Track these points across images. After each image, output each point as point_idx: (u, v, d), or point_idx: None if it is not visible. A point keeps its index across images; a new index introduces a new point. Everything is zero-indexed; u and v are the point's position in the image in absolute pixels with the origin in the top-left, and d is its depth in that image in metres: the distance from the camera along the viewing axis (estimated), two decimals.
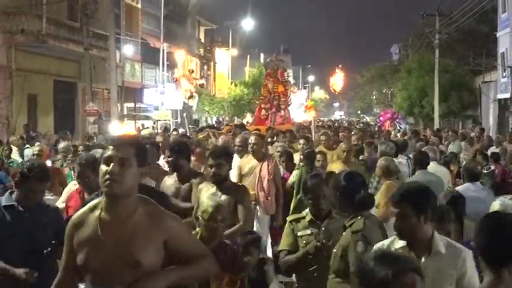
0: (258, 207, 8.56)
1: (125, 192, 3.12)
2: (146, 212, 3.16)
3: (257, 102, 22.16)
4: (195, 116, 44.43)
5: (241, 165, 8.86)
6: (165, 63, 37.98)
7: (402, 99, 39.65)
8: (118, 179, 3.08)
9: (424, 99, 37.22)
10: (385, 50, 77.08)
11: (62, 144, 11.46)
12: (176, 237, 3.19)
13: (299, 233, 4.89)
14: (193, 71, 29.31)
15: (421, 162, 8.62)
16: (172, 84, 39.93)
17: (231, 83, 51.62)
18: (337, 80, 20.65)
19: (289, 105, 20.84)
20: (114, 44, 25.27)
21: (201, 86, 22.86)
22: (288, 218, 5.19)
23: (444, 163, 10.06)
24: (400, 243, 3.61)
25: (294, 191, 8.71)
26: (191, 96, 21.69)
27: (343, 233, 4.33)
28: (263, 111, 19.65)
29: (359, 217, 4.25)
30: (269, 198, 8.62)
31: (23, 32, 24.10)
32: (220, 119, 44.75)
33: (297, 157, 9.91)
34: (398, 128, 29.12)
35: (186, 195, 6.26)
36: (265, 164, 8.68)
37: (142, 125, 26.82)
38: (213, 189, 5.72)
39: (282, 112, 19.73)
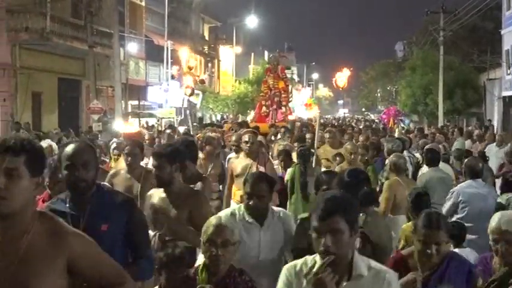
0: None
1: (15, 210, 2.58)
2: (44, 230, 2.63)
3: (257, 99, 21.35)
4: (199, 114, 44.51)
5: (233, 165, 8.35)
6: (169, 60, 37.99)
7: (406, 97, 39.64)
8: (4, 195, 2.54)
9: (428, 96, 37.18)
10: (390, 47, 77.04)
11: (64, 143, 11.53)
12: (81, 258, 2.68)
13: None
14: (192, 68, 29.05)
15: (432, 159, 8.65)
16: (177, 82, 40.04)
17: (235, 80, 51.65)
18: (342, 76, 20.49)
19: (290, 101, 20.43)
20: (118, 41, 25.34)
21: (202, 82, 22.59)
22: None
23: (444, 160, 10.06)
24: (318, 263, 2.92)
25: (288, 190, 8.60)
26: (192, 93, 21.59)
27: None
28: (263, 108, 19.31)
29: (360, 214, 4.24)
30: None
31: (27, 30, 24.18)
32: (225, 117, 44.79)
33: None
34: (402, 125, 29.10)
35: None
36: (260, 163, 8.29)
37: (147, 123, 26.85)
38: (164, 195, 5.11)
39: (283, 109, 19.41)
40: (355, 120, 53.21)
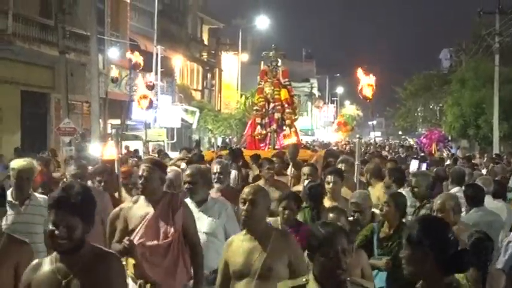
0: None
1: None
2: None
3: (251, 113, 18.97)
4: (195, 136, 44.59)
5: (126, 215, 7.02)
6: (159, 70, 38.17)
7: (454, 117, 39.55)
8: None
9: (480, 117, 37.10)
10: (433, 56, 77.18)
11: None
12: None
13: None
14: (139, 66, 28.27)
15: (474, 198, 8.56)
16: (168, 96, 40.20)
17: (241, 95, 51.76)
18: (368, 83, 17.61)
19: (296, 119, 18.18)
20: (96, 46, 25.51)
21: (150, 87, 21.39)
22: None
23: (495, 194, 9.95)
24: None
25: None
26: (149, 106, 20.12)
27: None
28: (258, 129, 17.24)
29: None
30: None
31: None
32: (227, 140, 44.81)
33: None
34: (447, 153, 28.98)
35: None
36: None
37: (127, 148, 26.71)
38: None
39: (287, 130, 17.13)
40: (387, 147, 53.05)
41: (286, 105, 17.37)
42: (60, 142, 25.98)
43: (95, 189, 8.28)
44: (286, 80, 17.87)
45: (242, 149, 16.75)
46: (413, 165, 15.84)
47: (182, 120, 42.28)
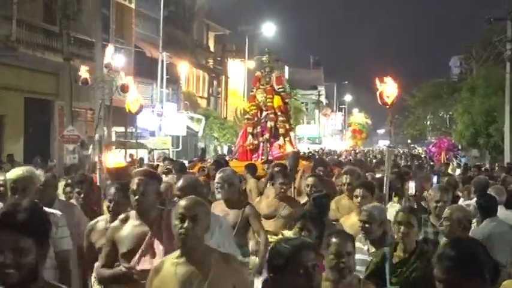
0: None
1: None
2: None
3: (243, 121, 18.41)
4: (201, 144, 44.59)
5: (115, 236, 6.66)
6: (165, 77, 38.21)
7: (464, 126, 39.44)
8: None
9: (491, 125, 36.99)
10: (442, 63, 77.09)
11: None
12: None
13: None
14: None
15: (487, 208, 8.47)
16: (174, 104, 40.20)
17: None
18: (389, 88, 17.21)
19: (291, 128, 17.86)
20: (101, 53, 25.50)
21: (124, 90, 20.83)
22: None
23: (507, 204, 9.87)
24: None
25: None
26: (139, 110, 19.09)
27: None
28: (250, 138, 16.67)
29: None
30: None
31: None
32: (233, 149, 44.81)
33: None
34: (458, 162, 28.85)
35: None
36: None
37: (131, 156, 26.65)
38: None
39: (281, 140, 16.49)
40: (398, 155, 52.85)
41: (279, 113, 16.70)
42: (64, 150, 25.98)
43: (62, 202, 7.90)
44: (280, 86, 17.30)
45: (235, 160, 16.56)
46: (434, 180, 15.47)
47: (188, 128, 42.27)
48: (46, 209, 6.13)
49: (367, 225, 6.83)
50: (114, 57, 23.81)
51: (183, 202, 4.92)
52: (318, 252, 4.20)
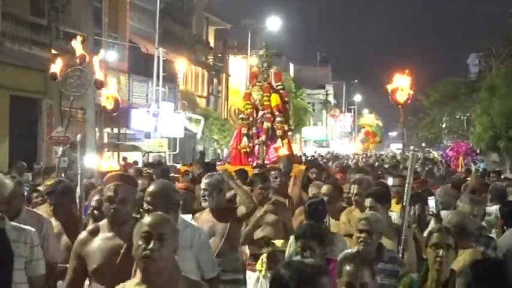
0: None
1: None
2: None
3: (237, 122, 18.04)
4: (199, 147, 44.60)
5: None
6: (161, 74, 38.24)
7: (483, 128, 39.43)
8: None
9: None
10: (460, 61, 77.13)
11: None
12: None
13: None
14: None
15: (511, 217, 8.51)
16: (170, 103, 40.21)
17: None
18: (400, 86, 16.34)
19: (290, 129, 17.54)
20: (92, 48, 25.55)
21: (98, 85, 20.12)
22: None
23: None
24: None
25: None
26: (115, 108, 18.36)
27: None
28: (244, 140, 16.26)
29: None
30: None
31: None
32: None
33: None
34: (476, 168, 28.84)
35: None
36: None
37: (125, 159, 26.71)
38: None
39: (278, 143, 16.07)
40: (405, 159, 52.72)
41: (277, 113, 16.31)
42: (52, 152, 25.96)
43: (29, 212, 7.37)
44: (279, 83, 16.96)
45: (227, 164, 16.20)
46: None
47: (185, 129, 42.29)
48: (16, 224, 6.03)
49: (366, 236, 6.53)
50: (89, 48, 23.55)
51: (147, 219, 4.47)
52: (329, 275, 3.79)
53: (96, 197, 6.83)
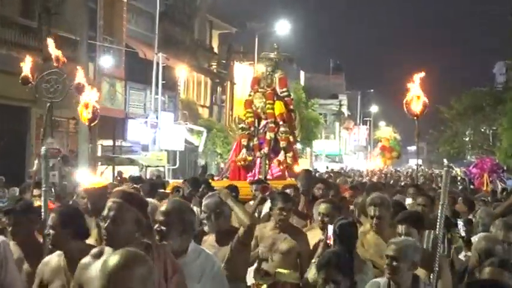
0: None
1: None
2: None
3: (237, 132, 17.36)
4: (201, 161, 44.56)
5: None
6: (160, 82, 38.23)
7: (509, 143, 39.42)
8: None
9: None
10: (485, 70, 77.02)
11: None
12: None
13: None
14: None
15: None
16: (170, 113, 40.19)
17: None
18: (417, 95, 15.22)
19: (296, 141, 17.25)
20: (86, 52, 25.55)
21: (79, 90, 19.99)
22: None
23: None
24: None
25: None
26: (94, 119, 17.70)
27: None
28: (243, 152, 15.84)
29: None
30: None
31: None
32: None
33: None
34: (503, 187, 28.71)
35: None
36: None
37: (120, 173, 26.67)
38: None
39: (281, 156, 15.65)
40: (426, 176, 52.67)
41: (281, 122, 15.83)
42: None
43: None
44: (285, 89, 16.62)
45: (225, 179, 15.86)
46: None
47: (186, 142, 42.29)
48: None
49: (394, 263, 6.24)
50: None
51: (109, 263, 3.91)
52: None
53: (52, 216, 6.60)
